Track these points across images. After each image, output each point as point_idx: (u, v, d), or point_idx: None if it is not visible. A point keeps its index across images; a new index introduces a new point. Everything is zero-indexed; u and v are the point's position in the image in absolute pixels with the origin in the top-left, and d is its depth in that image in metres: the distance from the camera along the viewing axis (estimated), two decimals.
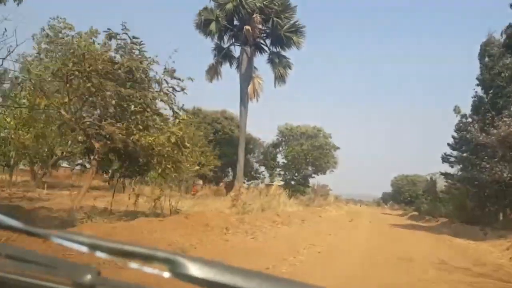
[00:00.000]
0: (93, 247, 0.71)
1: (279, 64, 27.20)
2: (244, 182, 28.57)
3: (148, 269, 0.67)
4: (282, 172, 33.67)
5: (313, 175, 33.99)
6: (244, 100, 26.53)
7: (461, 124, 27.87)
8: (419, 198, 54.43)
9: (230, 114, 41.58)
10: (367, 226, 17.01)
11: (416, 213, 35.46)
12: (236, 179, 25.94)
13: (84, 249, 0.72)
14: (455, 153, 35.56)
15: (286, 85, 27.05)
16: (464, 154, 26.91)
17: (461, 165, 30.91)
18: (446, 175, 37.59)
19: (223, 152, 33.50)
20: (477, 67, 21.95)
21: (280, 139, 34.94)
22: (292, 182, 33.53)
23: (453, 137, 36.92)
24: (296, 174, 33.09)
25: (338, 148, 34.03)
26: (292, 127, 34.27)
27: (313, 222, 14.91)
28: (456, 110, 22.77)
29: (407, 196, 62.64)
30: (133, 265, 0.68)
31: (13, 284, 0.74)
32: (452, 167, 36.75)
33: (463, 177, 24.52)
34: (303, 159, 31.36)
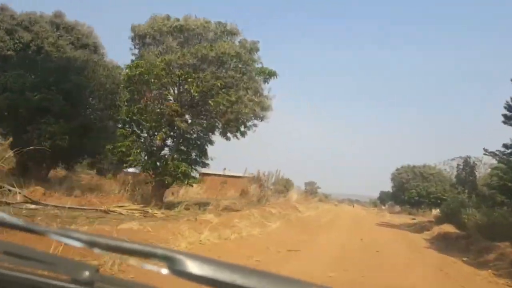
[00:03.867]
0: (92, 244, 0.69)
1: None
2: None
3: (147, 266, 0.66)
4: (144, 134, 14.26)
5: (209, 136, 14.58)
6: None
7: None
8: (444, 195, 35.13)
9: (71, 23, 22.17)
10: None
11: (448, 226, 16.28)
12: None
13: (82, 246, 0.70)
14: None
15: None
16: None
17: None
18: (508, 155, 18.77)
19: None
20: None
21: (138, 49, 15.21)
22: (167, 154, 14.20)
23: None
24: (172, 135, 13.77)
25: (274, 74, 14.55)
26: (160, 20, 14.59)
27: None
28: None
29: (414, 194, 44.14)
30: (132, 262, 0.67)
31: (11, 281, 0.72)
32: None
33: None
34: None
